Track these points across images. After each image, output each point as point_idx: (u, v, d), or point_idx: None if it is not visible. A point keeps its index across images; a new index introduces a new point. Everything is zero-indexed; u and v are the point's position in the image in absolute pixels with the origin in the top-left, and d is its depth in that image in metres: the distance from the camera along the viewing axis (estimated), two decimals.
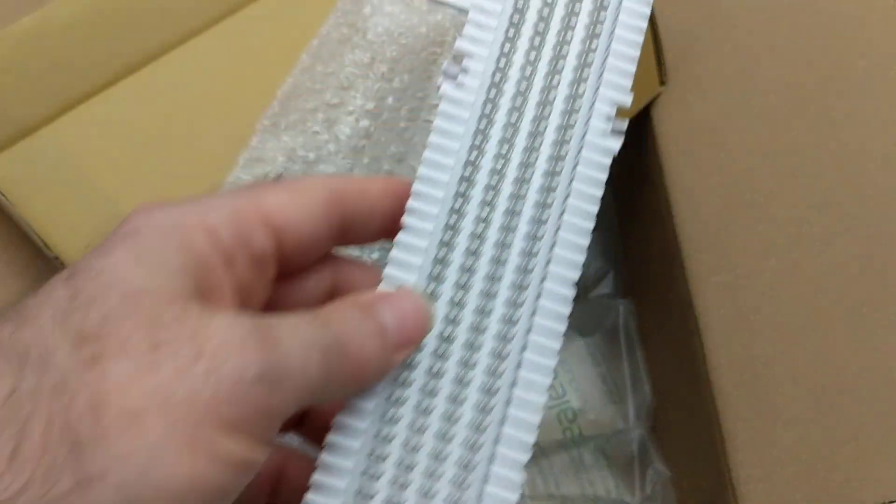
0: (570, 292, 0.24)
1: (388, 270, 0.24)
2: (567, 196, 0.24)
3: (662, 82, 0.49)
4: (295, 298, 0.25)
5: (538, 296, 0.24)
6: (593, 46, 0.25)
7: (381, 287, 0.24)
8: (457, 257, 0.24)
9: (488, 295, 0.24)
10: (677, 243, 0.44)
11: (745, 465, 0.37)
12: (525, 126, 0.25)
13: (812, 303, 0.39)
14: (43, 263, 0.41)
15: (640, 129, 0.50)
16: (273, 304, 0.25)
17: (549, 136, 0.25)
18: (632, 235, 0.56)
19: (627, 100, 0.25)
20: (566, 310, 0.24)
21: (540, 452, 0.51)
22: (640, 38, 0.25)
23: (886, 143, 0.42)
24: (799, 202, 0.42)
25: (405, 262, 0.24)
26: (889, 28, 0.45)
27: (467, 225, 0.24)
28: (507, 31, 0.25)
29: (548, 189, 0.24)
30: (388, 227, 0.26)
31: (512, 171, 0.25)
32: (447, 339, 0.24)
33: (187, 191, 0.41)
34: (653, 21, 0.47)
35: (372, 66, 0.41)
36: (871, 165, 0.41)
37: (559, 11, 0.25)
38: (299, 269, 0.25)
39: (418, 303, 0.23)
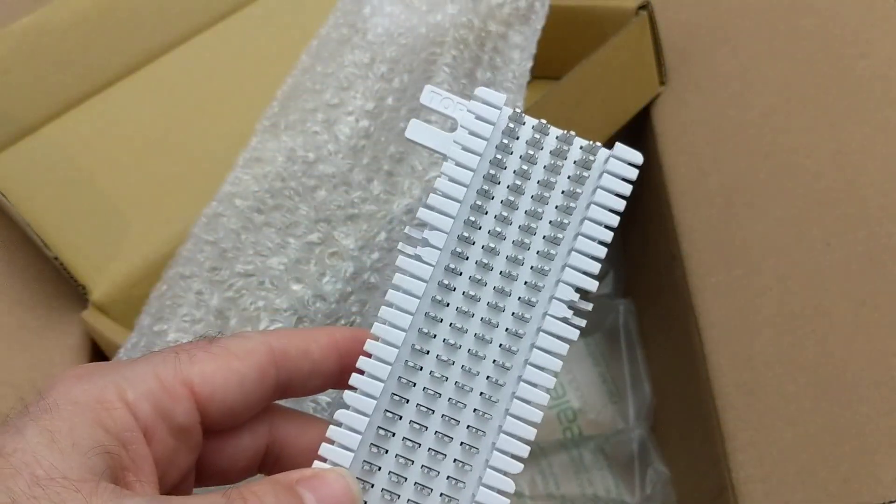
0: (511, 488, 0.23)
1: (325, 448, 0.23)
2: (519, 378, 0.23)
3: (662, 82, 0.49)
4: (228, 457, 0.25)
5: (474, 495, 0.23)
6: (565, 222, 0.24)
7: (316, 464, 0.23)
8: (396, 444, 0.23)
9: (422, 490, 0.23)
10: (677, 243, 0.44)
11: (745, 465, 0.37)
12: (483, 302, 0.24)
13: (812, 303, 0.39)
14: (42, 263, 0.41)
15: (640, 129, 0.50)
16: (204, 462, 0.24)
17: (507, 315, 0.24)
18: (632, 235, 0.56)
19: (593, 286, 0.24)
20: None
21: (540, 452, 0.52)
22: (615, 223, 0.24)
23: (886, 143, 0.42)
24: (799, 202, 0.42)
25: (344, 440, 0.23)
26: (889, 28, 0.45)
27: (411, 408, 0.23)
28: (475, 202, 0.24)
29: (501, 366, 0.23)
30: (331, 383, 0.25)
31: (463, 355, 0.23)
32: None
33: (187, 191, 0.41)
34: (652, 21, 0.47)
35: (371, 67, 0.41)
36: (871, 165, 0.41)
37: (532, 185, 0.24)
38: (232, 427, 0.24)
39: (346, 486, 0.22)
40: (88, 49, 0.43)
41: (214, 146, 0.42)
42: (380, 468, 0.23)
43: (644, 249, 0.53)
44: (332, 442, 0.23)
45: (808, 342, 0.38)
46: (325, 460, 0.23)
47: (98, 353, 0.41)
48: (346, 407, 0.23)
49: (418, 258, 0.23)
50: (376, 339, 0.23)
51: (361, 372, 0.23)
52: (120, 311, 0.40)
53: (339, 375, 0.25)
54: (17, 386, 0.39)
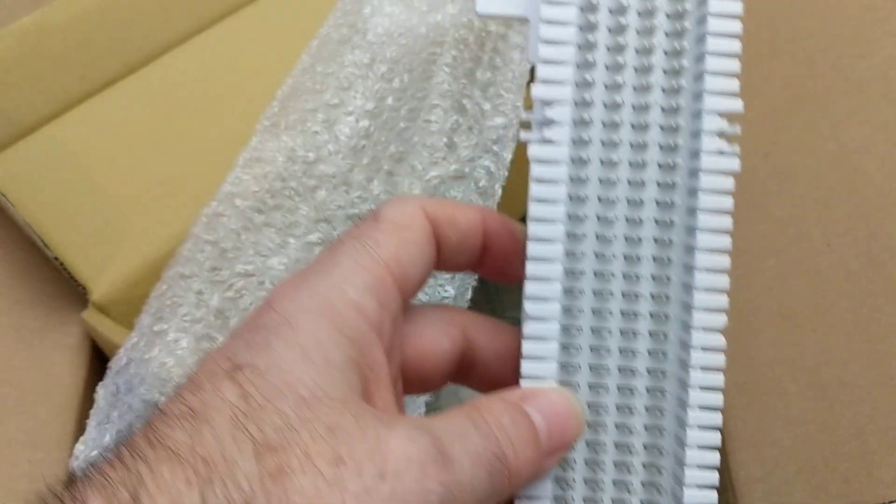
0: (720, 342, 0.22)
1: (527, 366, 0.22)
2: (694, 231, 0.22)
3: None
4: (434, 364, 0.23)
5: (680, 358, 0.22)
6: (681, 48, 0.21)
7: (524, 382, 0.22)
8: (586, 337, 0.22)
9: (628, 390, 0.22)
10: None
11: (745, 465, 0.37)
12: (624, 160, 0.22)
13: (812, 303, 0.39)
14: (42, 263, 0.41)
15: None
16: (411, 370, 0.23)
17: (653, 166, 0.22)
18: None
19: (739, 105, 0.21)
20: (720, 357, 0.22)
21: None
22: (739, 29, 0.21)
23: (886, 143, 0.42)
24: (799, 202, 0.42)
25: (542, 352, 0.22)
26: (889, 28, 0.45)
27: (588, 296, 0.22)
28: (580, 58, 0.21)
29: (665, 222, 0.22)
30: (473, 263, 0.24)
31: (621, 227, 0.22)
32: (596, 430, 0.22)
33: (187, 190, 0.41)
34: None
35: (372, 67, 0.41)
36: (871, 165, 0.41)
37: (631, 18, 0.22)
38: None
39: (570, 404, 0.22)
40: (88, 48, 0.43)
41: (214, 146, 0.42)
42: (579, 366, 0.22)
43: None
44: (528, 357, 0.22)
45: (808, 342, 0.38)
46: (529, 377, 0.22)
47: (98, 353, 0.41)
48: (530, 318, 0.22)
49: (548, 141, 0.21)
50: (534, 239, 0.21)
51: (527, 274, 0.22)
52: (120, 311, 0.40)
53: (480, 257, 0.24)
54: (16, 385, 0.39)
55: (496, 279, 0.25)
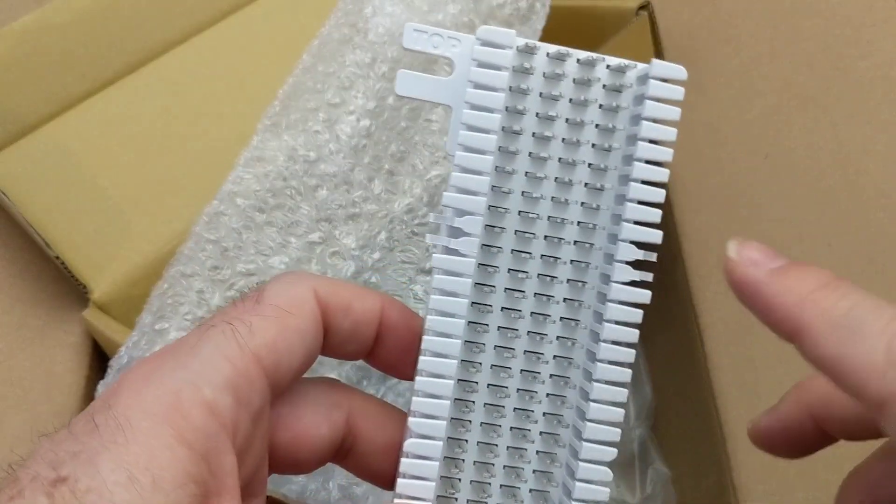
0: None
1: (403, 485, 0.20)
2: (594, 358, 0.20)
3: None
4: (309, 449, 0.22)
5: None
6: (605, 167, 0.21)
7: (400, 487, 0.21)
8: (472, 450, 0.21)
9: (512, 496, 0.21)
10: (678, 243, 0.44)
11: (746, 465, 0.37)
12: (533, 279, 0.21)
13: None
14: (43, 262, 0.41)
15: None
16: (283, 454, 0.22)
17: (562, 286, 0.21)
18: None
19: (657, 237, 0.20)
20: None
21: None
22: (669, 156, 0.20)
23: (886, 143, 0.42)
24: (799, 202, 0.42)
25: (422, 472, 0.20)
26: (889, 29, 0.45)
27: (479, 412, 0.21)
28: (499, 165, 0.20)
29: (568, 343, 0.21)
30: (363, 354, 0.23)
31: (523, 342, 0.21)
32: None
33: (188, 190, 0.41)
34: (653, 21, 0.47)
35: (373, 66, 0.41)
36: (871, 165, 0.41)
37: (559, 128, 0.21)
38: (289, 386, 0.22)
39: None
40: (89, 47, 0.43)
41: (215, 145, 0.42)
42: (459, 480, 0.21)
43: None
44: (407, 476, 0.21)
45: None
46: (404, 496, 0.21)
47: (99, 351, 0.41)
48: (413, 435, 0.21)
49: (456, 252, 0.20)
50: (428, 353, 0.20)
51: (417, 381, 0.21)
52: (121, 310, 0.40)
53: (372, 349, 0.22)
54: (18, 384, 0.39)
55: (386, 372, 0.24)
